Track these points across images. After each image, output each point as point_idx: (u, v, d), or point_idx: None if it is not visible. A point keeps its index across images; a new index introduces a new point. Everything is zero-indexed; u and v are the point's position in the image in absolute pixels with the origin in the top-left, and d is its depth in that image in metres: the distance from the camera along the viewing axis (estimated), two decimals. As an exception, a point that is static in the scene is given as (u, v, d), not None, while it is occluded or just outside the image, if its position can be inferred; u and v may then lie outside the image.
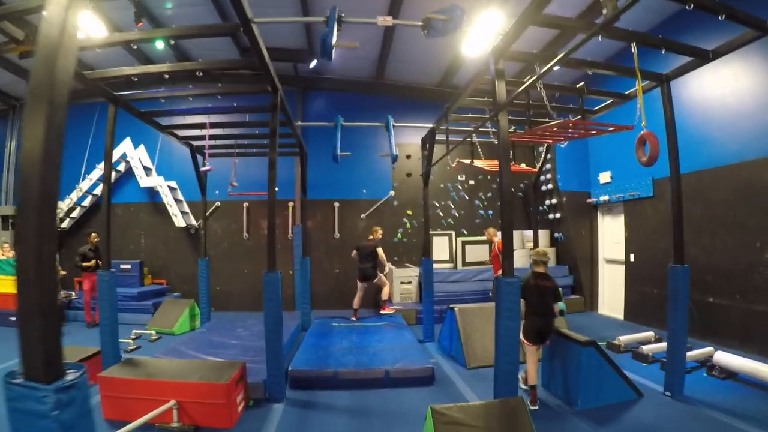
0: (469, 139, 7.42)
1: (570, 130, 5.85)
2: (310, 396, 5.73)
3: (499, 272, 5.48)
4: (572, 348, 5.36)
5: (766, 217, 6.85)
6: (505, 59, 4.89)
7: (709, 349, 6.54)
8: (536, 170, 9.79)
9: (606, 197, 10.43)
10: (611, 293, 10.68)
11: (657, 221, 8.99)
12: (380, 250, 9.52)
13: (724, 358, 5.98)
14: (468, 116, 7.60)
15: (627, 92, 6.27)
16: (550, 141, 6.79)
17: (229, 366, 5.25)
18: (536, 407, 5.20)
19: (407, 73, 11.71)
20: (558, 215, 11.49)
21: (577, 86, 6.14)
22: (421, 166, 9.78)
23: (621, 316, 10.09)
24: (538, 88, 5.60)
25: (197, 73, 5.57)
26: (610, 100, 6.60)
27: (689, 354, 6.02)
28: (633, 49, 4.65)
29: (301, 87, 11.99)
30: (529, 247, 11.85)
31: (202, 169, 8.34)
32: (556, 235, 11.56)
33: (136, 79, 5.70)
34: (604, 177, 10.64)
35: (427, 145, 8.65)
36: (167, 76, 5.83)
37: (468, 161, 7.95)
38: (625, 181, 9.91)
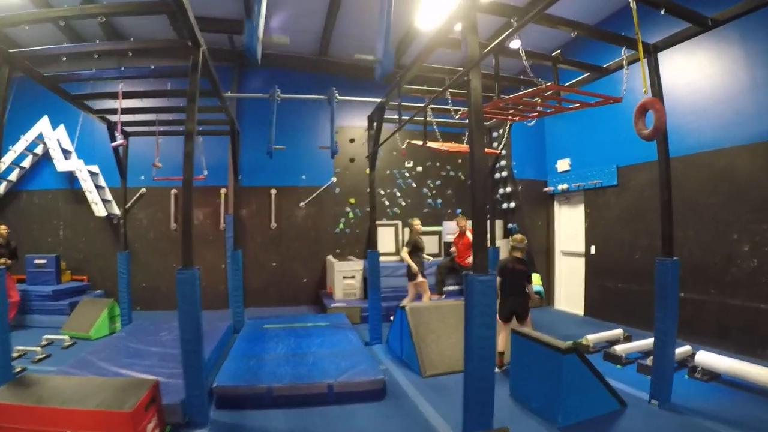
0: (423, 116, 6.47)
1: (544, 102, 5.17)
2: (240, 417, 4.72)
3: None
4: (551, 356, 4.59)
5: (744, 208, 6.41)
6: (478, 10, 4.01)
7: (687, 348, 6.03)
8: (498, 152, 9.01)
9: (564, 186, 9.88)
10: (569, 288, 10.16)
11: (621, 211, 8.47)
12: (404, 252, 8.26)
13: (707, 358, 5.44)
14: (424, 88, 6.69)
15: (607, 65, 5.56)
16: (517, 118, 5.97)
17: (138, 386, 4.12)
18: (499, 370, 5.37)
19: (354, 50, 10.61)
20: (512, 204, 10.84)
21: (553, 54, 5.35)
22: (366, 150, 9.00)
23: (581, 311, 9.58)
24: (516, 53, 4.79)
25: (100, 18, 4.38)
26: (587, 74, 5.87)
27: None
28: (632, 4, 3.88)
29: (238, 63, 10.68)
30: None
31: (113, 144, 7.06)
32: (510, 225, 10.93)
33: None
34: (563, 165, 10.09)
35: (375, 124, 7.66)
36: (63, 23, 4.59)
37: (419, 143, 7.09)
38: (585, 168, 9.37)
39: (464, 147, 6.72)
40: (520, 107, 5.38)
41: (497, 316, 5.28)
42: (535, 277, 6.40)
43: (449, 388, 5.36)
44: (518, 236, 6.20)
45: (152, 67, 6.54)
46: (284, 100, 8.35)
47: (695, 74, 7.06)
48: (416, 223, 8.28)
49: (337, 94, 8.16)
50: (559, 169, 10.19)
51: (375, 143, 7.67)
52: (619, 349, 6.26)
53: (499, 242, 9.84)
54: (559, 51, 5.37)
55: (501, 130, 9.19)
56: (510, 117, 6.03)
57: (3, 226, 7.94)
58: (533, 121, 6.11)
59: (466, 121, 5.00)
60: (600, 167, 8.88)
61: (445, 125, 8.09)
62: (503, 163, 10.91)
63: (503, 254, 8.31)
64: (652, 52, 4.90)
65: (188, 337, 4.43)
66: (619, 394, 4.85)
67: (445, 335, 6.27)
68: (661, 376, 4.78)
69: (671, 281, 4.62)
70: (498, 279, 5.59)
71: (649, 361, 5.54)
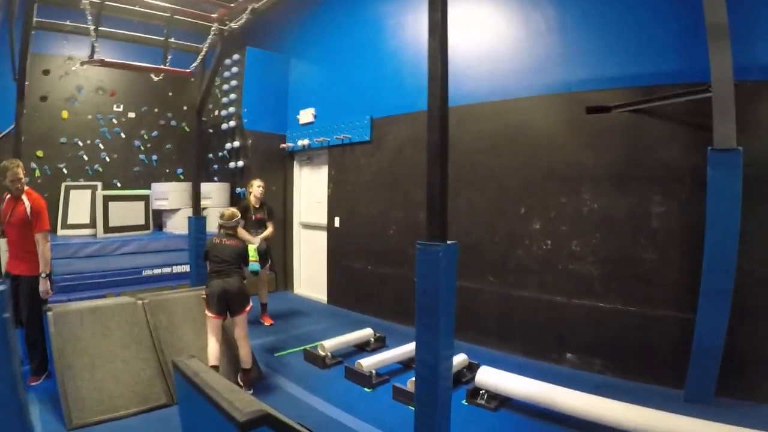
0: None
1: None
2: None
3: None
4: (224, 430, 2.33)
5: (536, 174, 5.15)
6: None
7: (462, 357, 4.54)
8: (189, 72, 6.20)
9: (305, 141, 7.86)
10: (311, 268, 8.31)
11: (374, 175, 6.82)
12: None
13: (493, 378, 3.97)
14: None
15: None
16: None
17: None
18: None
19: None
20: (241, 164, 8.41)
21: None
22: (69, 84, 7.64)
23: (325, 297, 7.81)
24: None
25: None
26: None
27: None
28: None
29: None
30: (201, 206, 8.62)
31: None
32: (239, 190, 8.52)
33: None
34: (306, 115, 8.05)
35: None
36: None
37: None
38: (332, 120, 7.48)
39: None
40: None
41: (206, 310, 4.16)
42: (251, 250, 4.88)
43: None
44: (227, 211, 4.62)
45: None
46: None
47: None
48: (255, 184, 6.24)
49: None
50: (302, 121, 8.15)
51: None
52: (367, 363, 4.49)
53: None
54: None
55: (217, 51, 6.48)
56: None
57: None
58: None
59: None
60: (350, 118, 7.10)
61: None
62: (232, 109, 8.34)
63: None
64: None
65: None
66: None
67: (107, 355, 3.96)
68: (432, 411, 2.91)
69: (444, 275, 2.79)
70: (208, 265, 4.39)
71: (410, 384, 3.89)
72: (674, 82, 4.21)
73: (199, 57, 5.97)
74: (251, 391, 4.14)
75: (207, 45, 5.94)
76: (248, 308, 4.26)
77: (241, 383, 4.20)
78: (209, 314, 4.12)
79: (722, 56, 3.59)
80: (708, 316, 3.70)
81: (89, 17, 4.99)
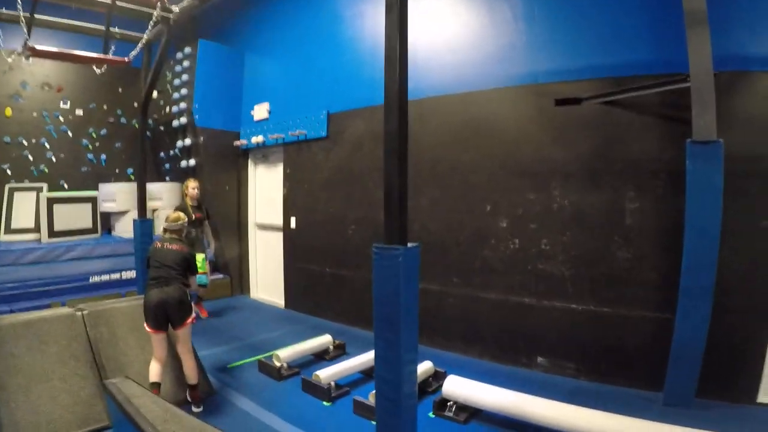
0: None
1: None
2: None
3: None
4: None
5: (503, 170, 4.86)
6: None
7: (427, 365, 4.23)
8: (126, 61, 5.65)
9: (259, 138, 7.39)
10: (268, 272, 7.84)
11: (331, 172, 6.43)
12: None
13: (461, 388, 3.66)
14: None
15: None
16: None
17: None
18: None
19: None
20: (193, 162, 7.87)
21: None
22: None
23: (282, 302, 7.37)
24: None
25: None
26: None
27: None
28: None
29: None
30: (151, 208, 8.04)
31: None
32: (191, 190, 7.97)
33: None
34: (260, 111, 7.59)
35: None
36: None
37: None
38: (287, 115, 7.05)
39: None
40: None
41: (145, 322, 3.71)
42: (199, 259, 4.66)
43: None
44: (173, 214, 4.31)
45: None
46: None
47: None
48: (191, 185, 6.25)
49: None
50: (256, 117, 7.68)
51: None
52: (325, 375, 4.11)
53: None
54: None
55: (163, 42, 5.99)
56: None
57: None
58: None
59: None
60: (306, 114, 6.69)
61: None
62: (183, 105, 7.79)
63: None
64: None
65: None
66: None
67: (44, 374, 3.51)
68: (396, 420, 2.59)
69: (405, 282, 2.44)
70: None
71: (371, 397, 3.53)
72: (647, 72, 4.01)
73: (140, 45, 5.48)
74: (200, 409, 3.79)
75: (149, 32, 5.46)
76: (190, 320, 3.81)
77: (190, 400, 3.80)
78: (147, 328, 3.68)
79: (701, 44, 3.40)
80: (688, 316, 3.49)
81: (19, 1, 4.53)
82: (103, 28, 5.74)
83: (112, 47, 5.78)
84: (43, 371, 3.51)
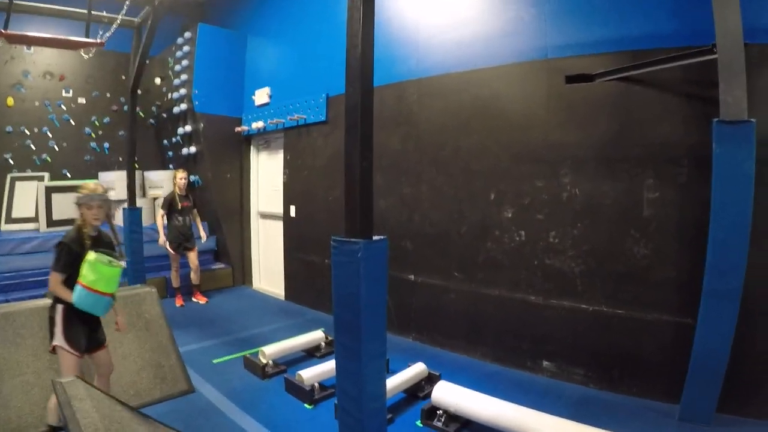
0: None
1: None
2: None
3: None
4: None
5: (508, 155, 4.45)
6: None
7: (420, 367, 3.89)
8: (101, 43, 5.33)
9: (260, 124, 7.09)
10: (270, 262, 7.60)
11: (330, 159, 6.08)
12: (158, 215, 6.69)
13: (451, 396, 3.29)
14: None
15: None
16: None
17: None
18: None
19: None
20: (194, 149, 7.63)
21: None
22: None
23: (282, 293, 7.13)
24: None
25: None
26: None
27: (390, 380, 3.31)
28: None
29: None
30: (152, 197, 7.88)
31: None
32: (193, 178, 7.75)
33: None
34: (261, 96, 7.29)
35: None
36: None
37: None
38: (287, 99, 6.73)
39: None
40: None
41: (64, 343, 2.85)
42: (88, 263, 2.77)
43: None
44: (90, 184, 3.11)
45: None
46: None
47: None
48: (179, 175, 6.56)
49: None
50: (257, 102, 7.39)
51: None
52: (309, 375, 3.81)
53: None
54: None
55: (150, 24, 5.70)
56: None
57: None
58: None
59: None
60: (305, 97, 6.36)
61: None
62: (183, 91, 7.53)
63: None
64: None
65: None
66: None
67: (17, 367, 3.42)
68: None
69: (366, 281, 2.08)
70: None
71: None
72: (668, 45, 3.54)
73: (113, 26, 5.26)
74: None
75: (122, 14, 5.21)
76: (51, 346, 2.90)
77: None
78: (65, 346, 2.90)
79: (730, 12, 2.94)
80: (711, 321, 3.06)
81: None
82: (83, 11, 5.54)
83: (105, 33, 5.57)
84: (16, 365, 3.39)
